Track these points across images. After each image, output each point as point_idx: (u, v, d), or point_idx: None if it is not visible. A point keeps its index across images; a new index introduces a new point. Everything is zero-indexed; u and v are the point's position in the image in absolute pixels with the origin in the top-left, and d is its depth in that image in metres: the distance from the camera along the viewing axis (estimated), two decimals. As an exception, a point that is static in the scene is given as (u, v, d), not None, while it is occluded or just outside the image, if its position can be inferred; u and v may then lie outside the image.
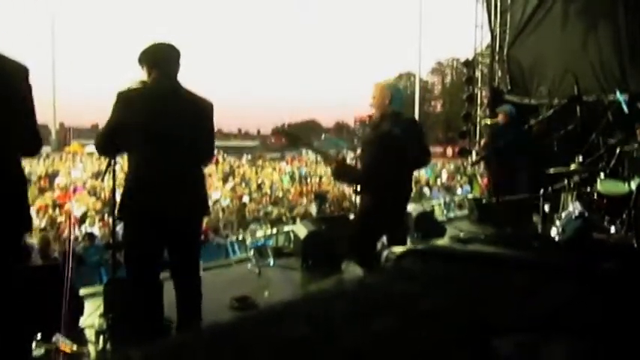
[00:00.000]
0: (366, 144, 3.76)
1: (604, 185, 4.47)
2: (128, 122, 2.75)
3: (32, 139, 2.37)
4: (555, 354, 0.40)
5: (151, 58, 2.86)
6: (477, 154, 6.17)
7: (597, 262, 0.65)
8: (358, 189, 3.89)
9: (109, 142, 2.87)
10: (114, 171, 3.24)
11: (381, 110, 3.66)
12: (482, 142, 6.06)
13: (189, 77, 3.01)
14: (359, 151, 3.90)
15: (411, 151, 3.63)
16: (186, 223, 2.92)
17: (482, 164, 10.65)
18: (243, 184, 15.24)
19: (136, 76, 2.91)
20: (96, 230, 8.47)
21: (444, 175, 19.19)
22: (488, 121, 6.40)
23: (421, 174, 16.05)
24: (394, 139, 3.57)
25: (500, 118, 6.00)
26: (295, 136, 4.09)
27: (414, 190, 3.80)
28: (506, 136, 5.56)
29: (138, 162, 2.82)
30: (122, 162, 3.74)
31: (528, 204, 5.69)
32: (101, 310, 3.43)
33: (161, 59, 2.87)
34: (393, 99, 3.64)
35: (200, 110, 2.95)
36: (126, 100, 2.77)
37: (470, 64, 10.71)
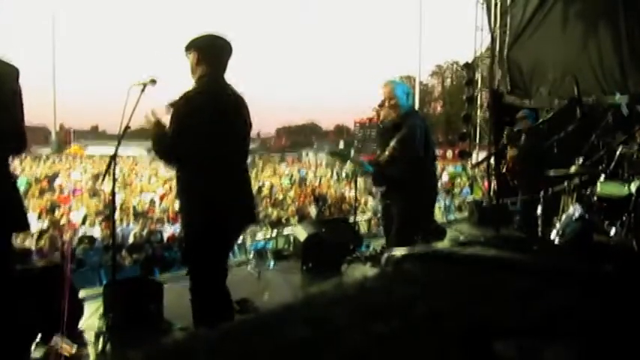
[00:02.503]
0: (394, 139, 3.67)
1: (604, 187, 4.46)
2: (191, 128, 2.63)
3: (20, 139, 2.37)
4: (556, 357, 0.40)
5: (205, 51, 2.76)
6: (506, 165, 6.10)
7: (597, 264, 0.65)
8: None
9: (175, 149, 2.72)
10: (114, 173, 3.24)
11: (399, 109, 3.66)
12: (509, 154, 5.97)
13: (189, 80, 2.95)
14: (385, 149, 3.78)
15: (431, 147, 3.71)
16: (243, 225, 3.01)
17: (482, 166, 10.67)
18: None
19: (137, 77, 2.91)
20: (96, 232, 8.47)
21: (445, 178, 19.18)
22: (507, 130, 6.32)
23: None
24: (427, 134, 3.67)
25: (523, 123, 5.95)
26: (343, 155, 4.30)
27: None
28: (532, 141, 5.51)
29: (204, 170, 2.70)
30: (121, 163, 3.74)
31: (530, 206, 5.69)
32: (101, 311, 3.43)
33: (216, 54, 2.78)
34: (409, 96, 3.73)
35: (245, 109, 2.89)
36: (188, 106, 2.66)
37: (470, 67, 10.73)
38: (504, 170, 6.02)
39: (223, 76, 2.83)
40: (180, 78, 2.92)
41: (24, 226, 2.44)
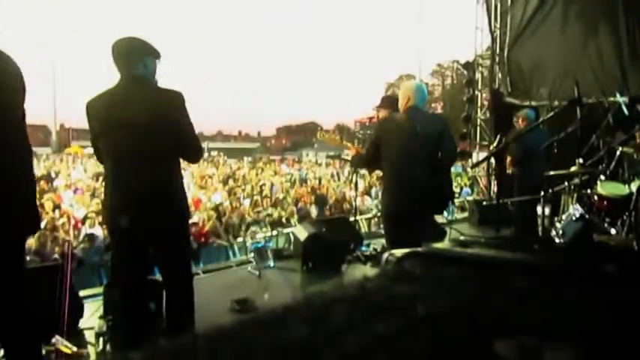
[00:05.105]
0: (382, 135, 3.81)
1: (604, 187, 4.46)
2: (94, 130, 2.72)
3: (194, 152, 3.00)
4: (558, 357, 0.40)
5: (113, 56, 2.74)
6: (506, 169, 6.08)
7: (599, 264, 0.65)
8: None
9: (97, 152, 2.84)
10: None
11: (401, 108, 3.81)
12: (508, 159, 5.93)
13: (190, 80, 2.96)
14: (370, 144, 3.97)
15: (428, 145, 3.64)
16: (164, 225, 2.78)
17: (482, 166, 10.67)
18: (244, 186, 15.24)
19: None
20: (96, 231, 8.46)
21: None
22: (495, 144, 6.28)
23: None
24: (403, 130, 3.65)
25: (521, 122, 5.93)
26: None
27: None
28: (530, 140, 5.47)
29: (106, 170, 2.77)
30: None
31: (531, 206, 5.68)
32: (101, 311, 3.43)
33: (118, 56, 2.73)
34: (413, 97, 3.76)
35: (164, 104, 2.73)
36: (89, 109, 2.72)
37: (470, 66, 10.74)
38: (509, 171, 6.00)
39: (133, 75, 2.73)
40: (178, 77, 2.91)
41: (37, 227, 2.43)
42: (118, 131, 2.64)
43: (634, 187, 4.20)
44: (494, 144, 6.16)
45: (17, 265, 2.25)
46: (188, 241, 3.19)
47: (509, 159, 5.91)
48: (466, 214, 8.89)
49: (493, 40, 9.63)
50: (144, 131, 2.64)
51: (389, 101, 4.36)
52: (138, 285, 2.90)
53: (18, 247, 2.29)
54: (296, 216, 11.25)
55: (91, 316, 3.56)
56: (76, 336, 3.31)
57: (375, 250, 5.58)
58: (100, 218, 8.89)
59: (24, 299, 2.27)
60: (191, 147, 2.87)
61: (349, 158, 4.39)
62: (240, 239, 9.23)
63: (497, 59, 9.54)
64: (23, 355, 2.26)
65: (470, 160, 10.92)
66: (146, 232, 2.74)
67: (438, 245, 0.76)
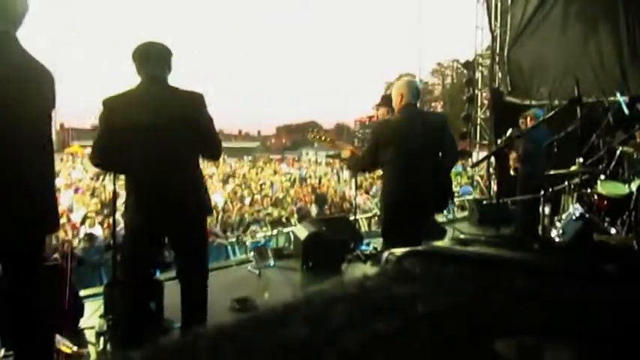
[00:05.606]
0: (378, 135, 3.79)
1: (604, 187, 4.46)
2: (114, 129, 2.70)
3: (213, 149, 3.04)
4: (558, 357, 0.40)
5: (134, 59, 2.79)
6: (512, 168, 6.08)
7: (598, 264, 0.65)
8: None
9: (102, 154, 2.81)
10: (114, 172, 3.24)
11: (396, 107, 3.76)
12: (513, 156, 5.93)
13: (190, 79, 2.98)
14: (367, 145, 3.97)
15: (428, 144, 3.60)
16: (185, 225, 2.82)
17: (483, 166, 10.67)
18: (244, 186, 15.24)
19: (136, 77, 2.89)
20: (96, 231, 8.46)
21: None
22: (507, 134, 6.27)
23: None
24: (394, 129, 3.64)
25: (529, 121, 5.92)
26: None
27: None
28: (534, 138, 5.45)
29: (130, 170, 2.76)
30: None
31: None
32: (101, 311, 3.43)
33: (139, 59, 2.78)
34: (407, 94, 3.70)
35: (185, 104, 2.80)
36: (107, 105, 2.72)
37: (470, 66, 10.73)
38: (512, 172, 6.01)
39: (156, 77, 2.78)
40: (180, 79, 2.92)
41: (56, 227, 2.46)
42: (141, 132, 2.66)
43: (634, 186, 4.20)
44: (504, 138, 6.13)
45: (35, 264, 2.26)
46: (207, 241, 3.22)
47: (514, 155, 5.90)
48: (466, 213, 8.89)
49: (493, 39, 9.62)
50: (167, 132, 2.69)
51: (388, 100, 4.36)
52: (144, 284, 2.91)
53: (36, 247, 2.30)
54: (296, 215, 11.25)
55: (92, 316, 3.56)
56: (76, 335, 3.32)
57: (375, 249, 5.58)
58: (100, 218, 8.91)
59: (39, 297, 2.28)
60: (212, 146, 2.93)
61: (346, 156, 4.34)
62: (239, 238, 9.24)
63: (497, 58, 9.53)
64: (35, 353, 2.27)
65: (470, 160, 10.91)
66: (167, 232, 2.79)
67: (438, 244, 0.76)
